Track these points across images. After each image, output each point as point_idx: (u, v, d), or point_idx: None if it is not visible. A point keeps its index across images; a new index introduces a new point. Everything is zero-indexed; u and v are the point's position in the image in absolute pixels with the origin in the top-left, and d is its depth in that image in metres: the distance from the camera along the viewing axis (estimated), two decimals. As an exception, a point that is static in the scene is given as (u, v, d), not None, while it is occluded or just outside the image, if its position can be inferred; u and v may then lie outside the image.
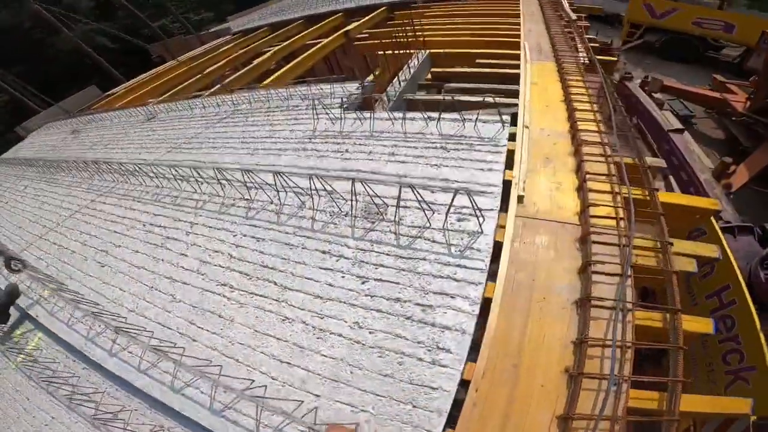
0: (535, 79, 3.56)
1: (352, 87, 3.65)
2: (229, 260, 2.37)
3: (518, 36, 4.97)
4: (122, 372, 1.94)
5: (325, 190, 2.40)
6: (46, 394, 2.07)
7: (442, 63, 5.05)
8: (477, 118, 2.58)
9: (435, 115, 2.76)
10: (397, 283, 1.87)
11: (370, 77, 4.77)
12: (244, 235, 2.47)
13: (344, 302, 1.87)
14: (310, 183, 2.33)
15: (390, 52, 5.38)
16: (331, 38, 7.17)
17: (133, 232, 2.93)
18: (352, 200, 2.23)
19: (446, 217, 1.99)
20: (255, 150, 3.21)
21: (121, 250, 2.84)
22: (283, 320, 1.91)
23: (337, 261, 2.06)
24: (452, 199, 1.94)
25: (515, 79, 3.69)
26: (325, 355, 1.71)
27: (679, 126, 5.43)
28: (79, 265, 2.90)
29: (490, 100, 2.74)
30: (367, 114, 3.06)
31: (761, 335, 2.33)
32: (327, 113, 3.04)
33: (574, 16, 5.48)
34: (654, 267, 1.78)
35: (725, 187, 4.72)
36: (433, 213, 2.06)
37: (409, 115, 2.90)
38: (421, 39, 4.95)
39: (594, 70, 3.71)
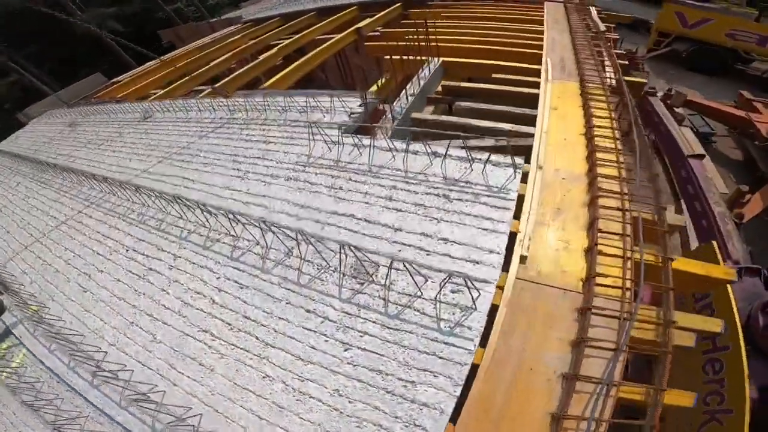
0: (555, 103, 3.24)
1: (355, 102, 3.35)
2: (211, 305, 2.25)
3: (540, 47, 4.56)
4: (104, 405, 1.95)
5: (314, 238, 2.17)
6: (32, 411, 2.08)
7: (456, 72, 4.69)
8: (486, 161, 2.32)
9: (441, 150, 2.53)
10: (382, 355, 1.74)
11: (374, 88, 4.44)
12: (228, 279, 2.34)
13: (326, 368, 1.77)
14: (296, 237, 2.08)
15: (399, 57, 5.02)
16: (342, 34, 6.77)
17: (116, 257, 2.77)
18: (340, 259, 2.03)
19: (440, 289, 1.82)
20: (246, 173, 2.99)
21: (104, 276, 2.71)
22: (264, 377, 1.83)
23: (321, 323, 1.93)
24: (444, 281, 1.78)
25: (533, 101, 3.35)
26: (303, 419, 1.64)
27: (700, 151, 5.01)
28: (62, 286, 2.80)
29: (503, 142, 2.43)
30: (366, 141, 2.82)
31: (747, 382, 2.33)
32: (323, 137, 2.75)
33: (602, 26, 5.02)
34: (651, 340, 1.68)
35: (737, 217, 4.39)
36: (426, 281, 1.90)
37: (413, 147, 2.65)
38: (434, 44, 4.54)
39: (621, 91, 3.33)
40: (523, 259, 1.96)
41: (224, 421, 1.71)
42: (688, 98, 6.85)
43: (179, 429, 1.71)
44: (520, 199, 2.23)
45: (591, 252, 1.94)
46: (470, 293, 1.74)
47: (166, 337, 2.17)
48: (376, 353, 1.74)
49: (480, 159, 2.41)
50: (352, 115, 3.21)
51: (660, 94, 6.43)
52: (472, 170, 2.38)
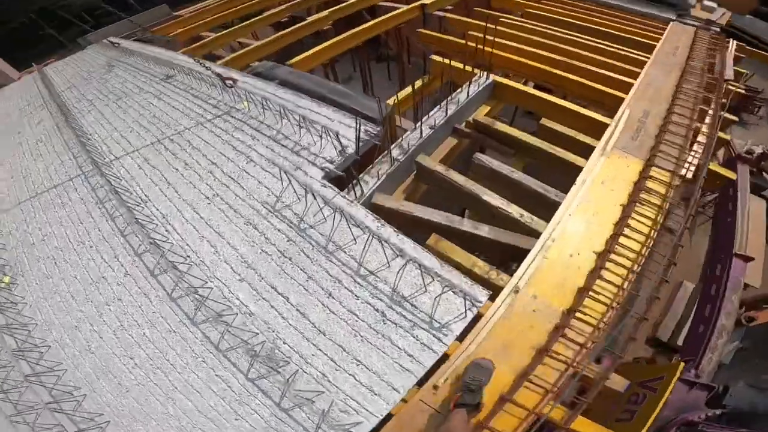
0: (593, 194, 2.92)
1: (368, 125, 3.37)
2: (141, 336, 2.63)
3: (628, 89, 4.01)
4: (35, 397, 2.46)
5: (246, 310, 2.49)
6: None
7: (505, 97, 4.33)
8: (441, 293, 2.29)
9: (409, 250, 2.54)
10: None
11: (405, 92, 4.24)
12: (162, 317, 2.67)
13: (216, 426, 2.14)
14: (229, 303, 2.25)
15: (441, 60, 4.75)
16: (406, 8, 6.47)
17: (81, 250, 3.22)
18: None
19: (327, 408, 2.06)
20: (214, 197, 3.24)
21: (66, 267, 3.18)
22: (165, 413, 2.24)
23: (224, 389, 2.27)
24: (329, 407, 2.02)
25: (570, 173, 3.08)
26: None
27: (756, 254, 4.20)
28: (32, 264, 3.34)
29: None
30: (338, 204, 2.77)
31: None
32: (293, 185, 2.80)
33: (731, 73, 4.22)
34: None
35: (747, 318, 4.06)
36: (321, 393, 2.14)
37: (382, 231, 2.63)
38: (491, 48, 4.18)
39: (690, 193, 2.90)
40: (435, 387, 2.10)
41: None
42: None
43: (90, 429, 2.22)
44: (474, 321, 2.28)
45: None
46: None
47: (99, 350, 2.62)
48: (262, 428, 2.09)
49: (439, 281, 2.39)
50: (341, 152, 3.18)
51: (759, 149, 5.41)
52: (426, 291, 2.38)
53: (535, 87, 4.48)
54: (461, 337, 2.26)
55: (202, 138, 3.87)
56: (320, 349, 2.27)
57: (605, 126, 3.48)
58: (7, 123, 5.71)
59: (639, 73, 4.20)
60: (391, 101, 4.03)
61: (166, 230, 3.09)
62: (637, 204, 2.74)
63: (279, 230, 2.86)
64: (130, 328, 2.66)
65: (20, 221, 3.72)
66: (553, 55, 4.65)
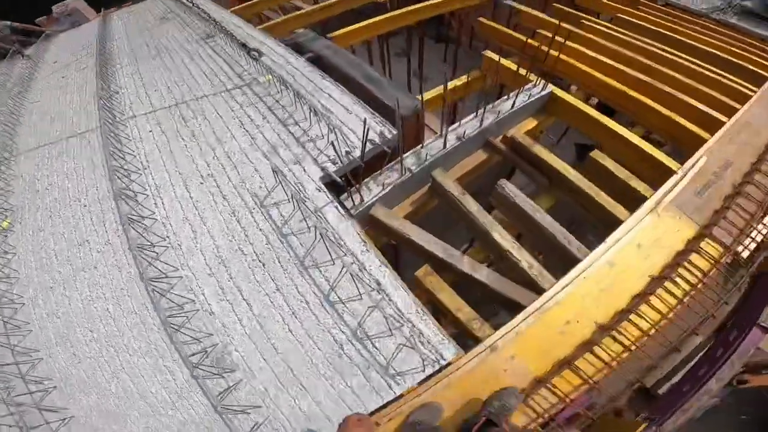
0: (619, 260, 2.56)
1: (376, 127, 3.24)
2: (104, 312, 2.72)
3: (717, 126, 3.45)
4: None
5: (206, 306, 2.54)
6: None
7: (558, 111, 3.93)
8: (406, 342, 2.15)
9: (390, 286, 2.42)
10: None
11: (446, 85, 3.94)
12: (128, 296, 2.74)
13: (153, 410, 2.23)
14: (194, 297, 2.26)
15: (505, 61, 4.40)
16: None
17: (75, 208, 3.41)
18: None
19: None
20: (208, 176, 3.28)
21: (57, 223, 3.36)
22: (108, 390, 2.36)
23: (167, 381, 2.33)
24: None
25: (608, 219, 2.73)
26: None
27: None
28: (31, 212, 3.53)
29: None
30: (326, 214, 2.65)
31: None
32: (283, 184, 2.70)
33: None
34: None
35: (739, 380, 3.60)
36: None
37: (365, 257, 2.56)
38: (558, 52, 3.79)
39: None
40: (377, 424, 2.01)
41: (70, 402, 2.33)
42: None
43: (37, 392, 2.38)
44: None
45: None
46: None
47: (64, 316, 2.75)
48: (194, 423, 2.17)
49: (413, 329, 2.24)
50: (347, 153, 3.02)
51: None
52: (392, 335, 2.25)
53: (598, 106, 3.99)
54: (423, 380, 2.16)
55: (216, 109, 3.88)
56: (269, 365, 2.26)
57: (669, 173, 3.00)
58: (62, 63, 6.12)
59: (737, 110, 3.58)
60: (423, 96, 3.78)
61: (155, 203, 3.15)
62: (669, 280, 2.35)
63: (261, 230, 2.81)
64: (97, 300, 2.76)
65: (34, 166, 3.98)
66: (634, 72, 4.09)
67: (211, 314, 2.49)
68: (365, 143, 2.82)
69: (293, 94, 3.51)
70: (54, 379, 2.46)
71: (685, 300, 2.35)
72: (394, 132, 3.14)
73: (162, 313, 2.56)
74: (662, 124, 3.71)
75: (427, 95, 4.49)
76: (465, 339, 2.51)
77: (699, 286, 2.38)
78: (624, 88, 3.95)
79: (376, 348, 2.23)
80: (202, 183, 3.20)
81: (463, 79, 4.60)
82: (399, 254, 3.87)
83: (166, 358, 2.41)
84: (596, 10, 6.04)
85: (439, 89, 4.56)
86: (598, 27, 5.06)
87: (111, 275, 2.84)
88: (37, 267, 3.06)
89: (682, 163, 3.11)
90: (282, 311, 2.43)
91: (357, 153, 3.00)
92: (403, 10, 5.89)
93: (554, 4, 5.89)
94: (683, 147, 3.51)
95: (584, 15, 5.42)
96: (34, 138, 4.40)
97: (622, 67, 4.19)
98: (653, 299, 2.30)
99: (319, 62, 4.50)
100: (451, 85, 4.54)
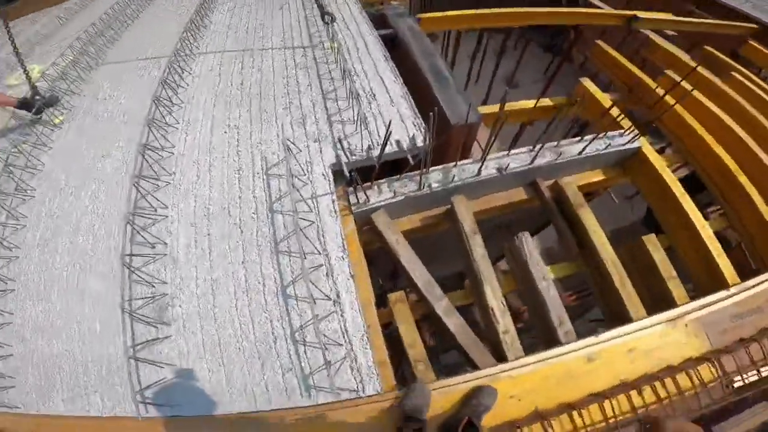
0: (603, 357, 2.29)
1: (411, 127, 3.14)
2: (88, 228, 2.88)
3: None
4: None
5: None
6: None
7: (636, 174, 3.58)
8: (336, 362, 2.22)
9: (345, 304, 2.38)
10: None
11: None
12: (111, 220, 2.90)
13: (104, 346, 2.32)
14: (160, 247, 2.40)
15: (599, 93, 4.08)
16: (611, 11, 5.68)
17: (115, 124, 3.65)
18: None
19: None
20: (234, 127, 3.37)
21: (95, 132, 3.62)
22: (48, 303, 2.50)
23: (108, 311, 2.45)
24: None
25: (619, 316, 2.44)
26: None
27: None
28: (77, 121, 3.78)
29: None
30: (319, 200, 2.68)
31: None
32: (287, 180, 2.74)
33: None
34: None
35: None
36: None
37: (337, 264, 2.53)
38: (676, 101, 3.41)
39: None
40: None
41: (18, 308, 2.48)
42: None
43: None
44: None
45: None
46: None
47: (58, 221, 2.91)
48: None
49: (349, 353, 2.18)
50: (368, 149, 2.98)
51: None
52: (327, 350, 2.21)
53: (686, 178, 3.49)
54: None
55: (273, 64, 3.96)
56: (201, 332, 2.30)
57: (721, 284, 2.54)
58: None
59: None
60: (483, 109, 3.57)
61: (178, 138, 3.30)
62: (636, 390, 2.01)
63: (254, 197, 2.83)
64: (90, 214, 2.93)
65: (106, 78, 4.33)
66: (759, 151, 3.49)
67: (175, 262, 2.55)
68: (385, 143, 2.75)
69: (344, 69, 3.53)
70: (18, 281, 2.58)
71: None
72: (425, 143, 3.02)
73: (132, 247, 2.67)
74: (753, 226, 3.13)
75: (488, 109, 4.24)
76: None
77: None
78: (734, 166, 3.39)
79: (306, 356, 2.15)
80: (225, 132, 3.28)
81: (546, 102, 4.30)
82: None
83: (114, 289, 2.49)
84: (760, 65, 5.25)
85: (515, 104, 4.30)
86: (747, 83, 4.36)
87: (110, 191, 3.01)
88: (62, 166, 3.31)
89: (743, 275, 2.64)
90: (237, 285, 2.43)
91: (377, 151, 2.95)
92: (516, 9, 5.58)
93: (705, 47, 5.20)
94: (759, 254, 2.96)
95: (739, 67, 4.71)
96: (119, 53, 4.79)
97: (746, 137, 3.59)
98: (606, 403, 2.00)
99: (394, 41, 4.47)
100: (524, 105, 4.27)
